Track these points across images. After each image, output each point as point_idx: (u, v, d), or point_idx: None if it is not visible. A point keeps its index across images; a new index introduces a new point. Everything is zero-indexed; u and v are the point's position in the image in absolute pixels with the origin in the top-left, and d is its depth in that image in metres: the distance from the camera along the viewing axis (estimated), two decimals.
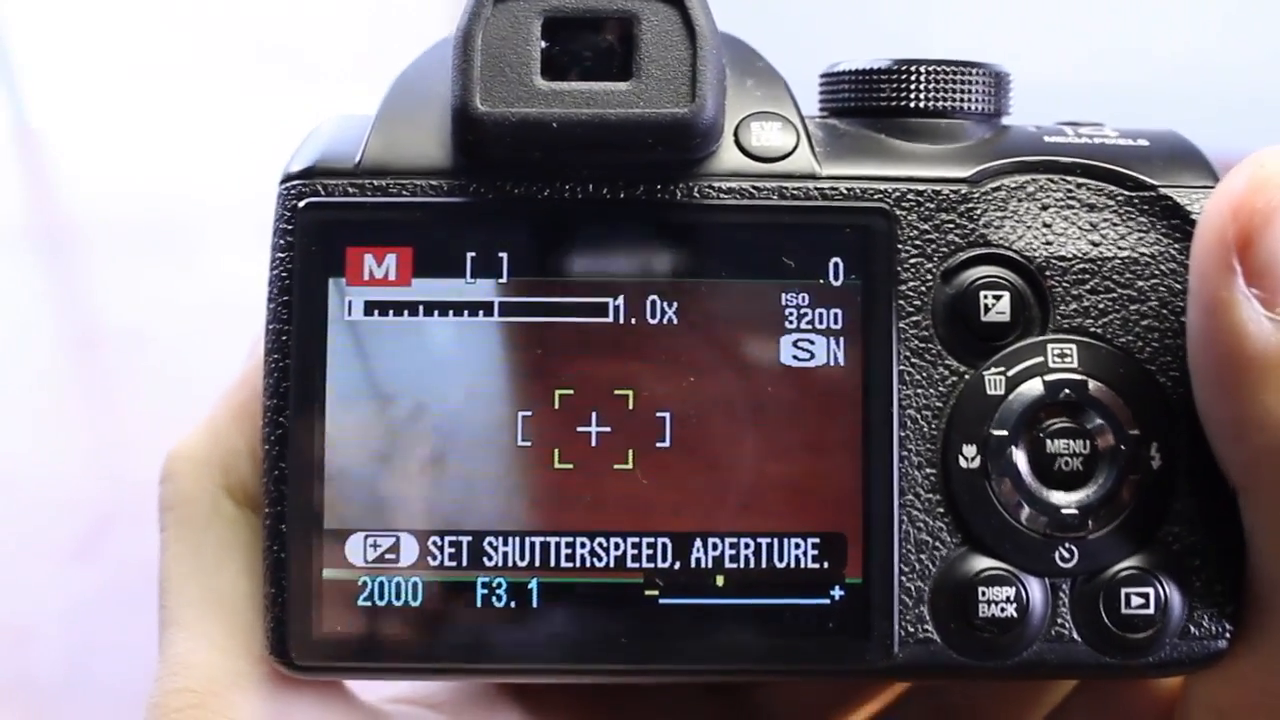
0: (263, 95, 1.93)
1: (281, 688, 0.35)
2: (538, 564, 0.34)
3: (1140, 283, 0.35)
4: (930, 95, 0.36)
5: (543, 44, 0.33)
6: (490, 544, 0.34)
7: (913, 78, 0.36)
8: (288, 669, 0.34)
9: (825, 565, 0.34)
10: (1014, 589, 0.33)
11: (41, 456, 1.42)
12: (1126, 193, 0.35)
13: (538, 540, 0.34)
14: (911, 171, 0.35)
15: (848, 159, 0.35)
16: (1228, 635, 0.34)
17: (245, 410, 0.36)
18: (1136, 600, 0.34)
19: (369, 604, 0.34)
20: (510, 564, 0.34)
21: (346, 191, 0.34)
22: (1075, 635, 0.34)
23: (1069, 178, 0.35)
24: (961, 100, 0.36)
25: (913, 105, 0.36)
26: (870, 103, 0.36)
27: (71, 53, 2.17)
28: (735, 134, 0.35)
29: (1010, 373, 0.34)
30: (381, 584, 0.34)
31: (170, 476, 0.37)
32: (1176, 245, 0.35)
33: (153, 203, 1.86)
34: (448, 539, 0.34)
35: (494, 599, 0.34)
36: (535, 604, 0.34)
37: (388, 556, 0.34)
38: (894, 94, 0.36)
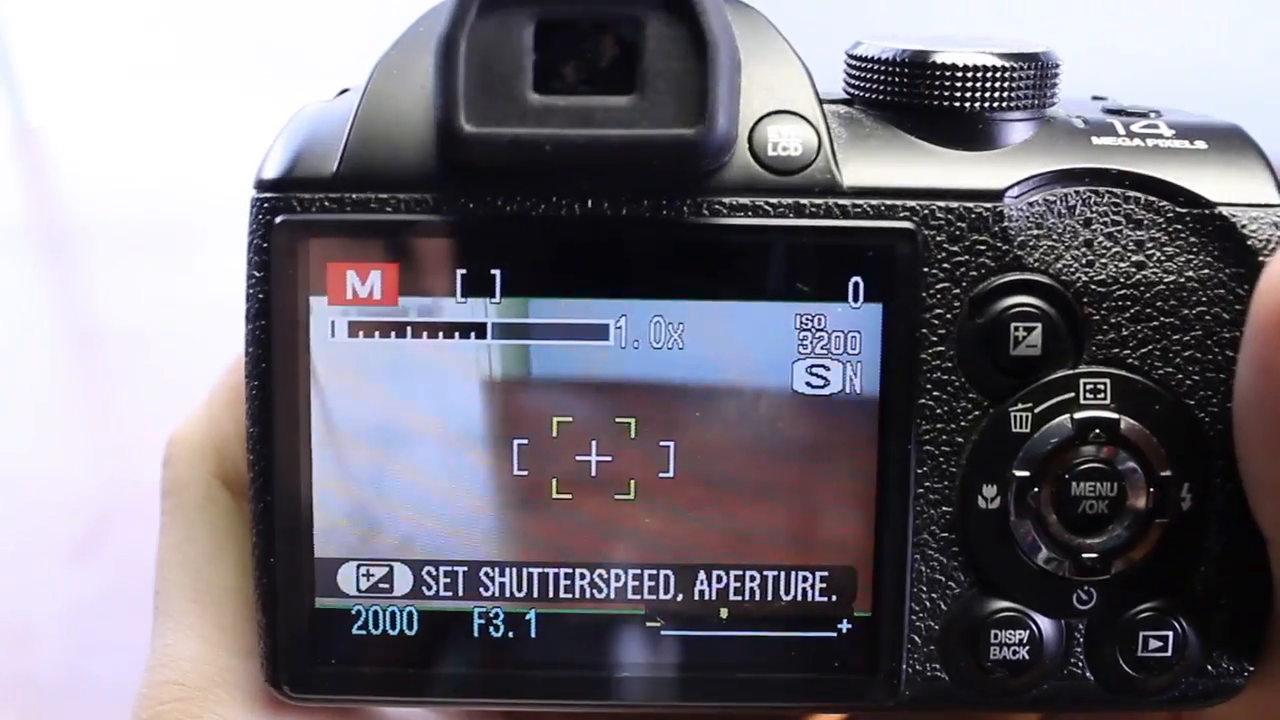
0: (262, 95, 1.93)
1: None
2: (535, 595, 0.33)
3: (1185, 310, 0.32)
4: (967, 95, 0.32)
5: (535, 54, 0.30)
6: (486, 574, 0.33)
7: (948, 74, 0.32)
8: (283, 699, 0.33)
9: (833, 599, 0.33)
10: (1027, 631, 0.32)
11: (41, 456, 1.42)
12: (1178, 209, 0.32)
13: (535, 571, 0.33)
14: (942, 183, 0.32)
15: (872, 165, 0.32)
16: (1246, 673, 0.33)
17: (239, 393, 0.34)
18: (1154, 643, 0.32)
19: (363, 633, 0.33)
20: (507, 594, 0.33)
21: (324, 206, 0.32)
22: (1088, 675, 0.33)
23: (1116, 189, 0.32)
24: (1002, 99, 0.32)
25: (946, 105, 0.32)
26: (899, 97, 0.33)
27: (71, 53, 2.18)
28: (749, 139, 0.32)
29: (1038, 409, 0.32)
30: (376, 613, 0.33)
31: (168, 461, 0.36)
32: (1227, 270, 0.32)
33: (153, 203, 1.86)
34: (442, 568, 0.33)
35: (491, 629, 0.33)
36: (533, 635, 0.33)
37: (381, 586, 0.33)
38: (926, 90, 0.32)
